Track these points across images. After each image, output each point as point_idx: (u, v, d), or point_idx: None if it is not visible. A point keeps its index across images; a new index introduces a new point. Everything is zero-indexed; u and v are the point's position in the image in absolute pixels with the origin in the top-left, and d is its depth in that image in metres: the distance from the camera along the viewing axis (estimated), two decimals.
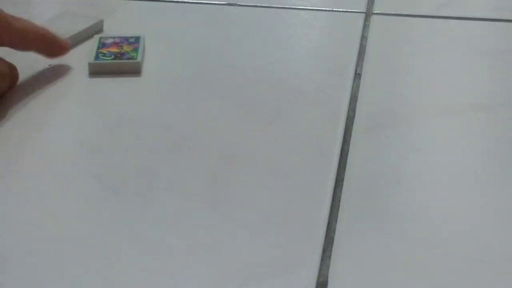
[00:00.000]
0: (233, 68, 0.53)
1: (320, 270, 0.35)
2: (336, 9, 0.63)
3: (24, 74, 0.51)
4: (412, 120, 0.47)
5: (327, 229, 0.38)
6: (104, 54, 0.52)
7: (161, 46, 0.57)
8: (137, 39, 0.54)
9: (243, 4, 0.64)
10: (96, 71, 0.52)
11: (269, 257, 0.36)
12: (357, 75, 0.53)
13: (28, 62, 0.52)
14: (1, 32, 0.48)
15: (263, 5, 0.64)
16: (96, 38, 0.55)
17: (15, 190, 0.41)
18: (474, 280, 0.35)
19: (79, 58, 0.53)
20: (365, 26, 0.60)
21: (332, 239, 0.37)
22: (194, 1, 0.65)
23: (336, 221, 0.38)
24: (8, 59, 0.50)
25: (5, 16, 0.48)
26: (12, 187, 0.41)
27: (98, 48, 0.53)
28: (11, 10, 0.49)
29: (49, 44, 0.52)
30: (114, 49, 0.53)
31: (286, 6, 0.64)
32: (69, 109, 0.48)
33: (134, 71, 0.52)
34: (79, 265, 0.36)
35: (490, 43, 0.57)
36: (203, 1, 0.65)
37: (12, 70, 0.50)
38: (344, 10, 0.63)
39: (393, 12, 0.62)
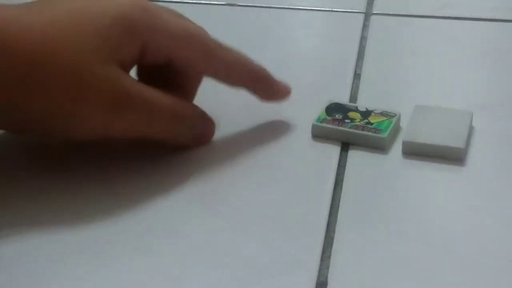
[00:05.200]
0: None
1: (320, 270, 0.35)
2: (335, 9, 0.63)
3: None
4: None
5: (327, 229, 0.38)
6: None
7: None
8: None
9: (243, 4, 0.64)
10: None
11: (269, 257, 0.36)
12: (357, 75, 0.53)
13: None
14: (204, 59, 0.43)
15: (263, 5, 0.64)
16: None
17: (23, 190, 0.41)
18: (474, 280, 0.35)
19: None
20: (365, 26, 0.60)
21: (332, 239, 0.37)
22: (194, 1, 0.65)
23: (335, 221, 0.38)
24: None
25: (213, 43, 0.43)
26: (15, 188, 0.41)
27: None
28: None
29: (264, 83, 0.46)
30: None
31: (286, 6, 0.64)
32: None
33: None
34: (79, 266, 0.35)
35: (490, 43, 0.57)
36: (203, 1, 0.65)
37: (202, 120, 0.44)
38: (344, 10, 0.63)
39: (392, 12, 0.62)
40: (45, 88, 0.37)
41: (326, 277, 0.35)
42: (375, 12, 0.62)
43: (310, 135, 0.45)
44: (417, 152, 0.43)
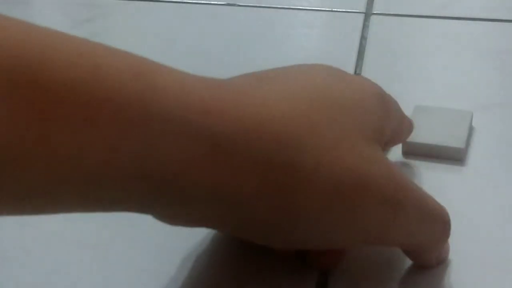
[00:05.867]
0: (233, 68, 0.53)
1: None
2: (335, 9, 0.63)
3: None
4: None
5: None
6: None
7: (159, 47, 0.57)
8: None
9: (243, 4, 0.64)
10: None
11: (269, 257, 0.36)
12: (357, 75, 0.53)
13: None
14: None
15: (263, 5, 0.64)
16: None
17: None
18: (474, 280, 0.35)
19: None
20: (365, 26, 0.60)
21: None
22: (194, 1, 0.65)
23: None
24: None
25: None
26: None
27: None
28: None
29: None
30: None
31: (286, 6, 0.64)
32: None
33: None
34: (79, 266, 0.36)
35: (490, 43, 0.57)
36: (202, 1, 0.65)
37: None
38: (344, 10, 0.63)
39: (393, 12, 0.62)
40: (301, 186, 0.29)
41: (326, 277, 0.35)
42: (375, 12, 0.62)
43: None
44: (417, 152, 0.43)
